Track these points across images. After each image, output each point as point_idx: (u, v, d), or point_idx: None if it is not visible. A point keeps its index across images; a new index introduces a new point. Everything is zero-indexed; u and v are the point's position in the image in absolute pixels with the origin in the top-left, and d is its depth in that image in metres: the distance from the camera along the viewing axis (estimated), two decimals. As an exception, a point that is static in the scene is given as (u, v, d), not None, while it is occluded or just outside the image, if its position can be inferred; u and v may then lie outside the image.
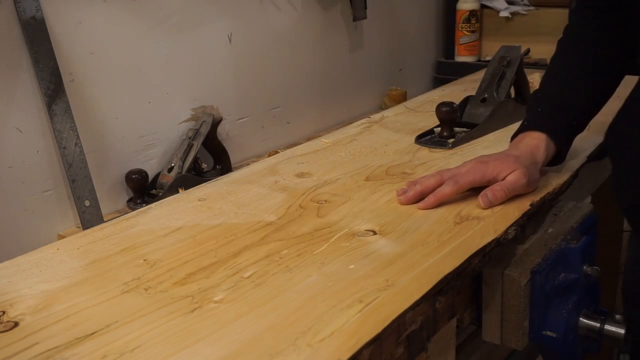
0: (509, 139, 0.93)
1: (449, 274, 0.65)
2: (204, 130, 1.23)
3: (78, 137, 1.07)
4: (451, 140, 1.08)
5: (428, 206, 0.81)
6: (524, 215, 0.79)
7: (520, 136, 0.89)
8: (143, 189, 1.16)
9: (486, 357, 0.92)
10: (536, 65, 1.71)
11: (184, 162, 1.20)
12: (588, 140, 1.02)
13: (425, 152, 1.05)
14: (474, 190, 0.83)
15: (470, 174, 0.82)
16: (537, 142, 0.86)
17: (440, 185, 0.82)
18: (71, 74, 1.08)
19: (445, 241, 0.72)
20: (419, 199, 0.82)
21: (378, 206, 0.84)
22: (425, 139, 1.11)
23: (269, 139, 1.46)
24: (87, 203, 1.08)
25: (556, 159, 0.90)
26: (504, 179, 0.81)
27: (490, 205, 0.80)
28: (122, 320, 0.60)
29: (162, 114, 1.23)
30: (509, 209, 0.80)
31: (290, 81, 1.49)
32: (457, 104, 1.13)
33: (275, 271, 0.67)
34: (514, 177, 0.81)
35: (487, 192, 0.81)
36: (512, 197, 0.82)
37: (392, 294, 0.61)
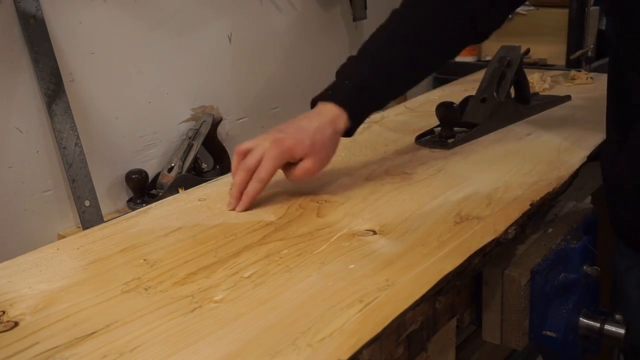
0: (502, 140, 0.94)
1: (449, 274, 0.65)
2: (204, 130, 1.23)
3: (78, 137, 1.07)
4: (451, 140, 1.08)
5: (244, 209, 0.83)
6: (524, 215, 0.79)
7: (322, 104, 0.88)
8: (143, 189, 1.16)
9: (486, 357, 0.92)
10: (536, 65, 1.71)
11: (184, 162, 1.20)
12: (588, 140, 1.02)
13: (425, 152, 1.05)
14: (468, 188, 0.83)
15: (270, 164, 0.82)
16: (336, 114, 0.86)
17: (246, 182, 0.83)
18: (71, 74, 1.08)
19: (445, 241, 0.72)
20: (238, 201, 0.84)
21: (378, 206, 0.84)
22: (425, 139, 1.11)
23: (269, 139, 1.46)
24: (87, 203, 1.08)
25: (347, 132, 0.90)
26: (302, 157, 0.83)
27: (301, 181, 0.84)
28: (122, 320, 0.60)
29: (162, 114, 1.23)
30: (509, 208, 0.80)
31: (290, 81, 1.49)
32: (457, 104, 1.13)
33: (275, 271, 0.67)
34: (309, 163, 0.83)
35: (293, 176, 0.84)
36: (511, 197, 0.83)
37: (392, 294, 0.61)
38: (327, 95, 0.88)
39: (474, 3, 0.89)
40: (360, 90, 0.87)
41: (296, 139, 0.82)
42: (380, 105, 0.92)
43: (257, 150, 0.83)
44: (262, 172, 0.82)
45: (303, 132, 0.83)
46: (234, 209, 0.84)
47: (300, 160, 0.83)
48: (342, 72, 0.90)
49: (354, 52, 0.91)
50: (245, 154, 0.84)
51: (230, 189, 0.86)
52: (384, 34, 0.91)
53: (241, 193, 0.83)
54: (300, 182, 0.85)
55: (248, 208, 0.83)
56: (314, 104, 0.89)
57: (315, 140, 0.83)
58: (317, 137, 0.83)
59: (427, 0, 0.91)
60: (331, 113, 0.86)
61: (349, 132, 0.89)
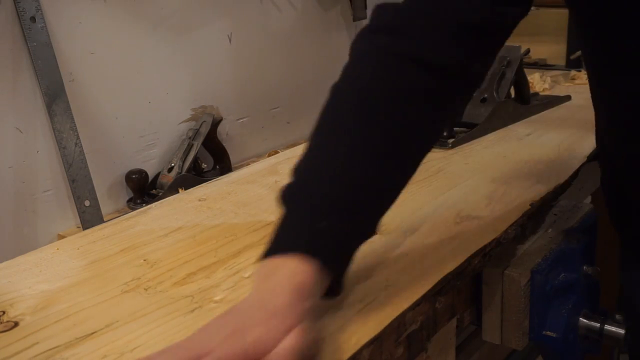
0: (502, 140, 0.92)
1: (449, 274, 0.65)
2: (204, 130, 1.23)
3: (78, 137, 1.07)
4: (451, 140, 1.08)
5: None
6: (523, 215, 0.79)
7: (274, 262, 0.53)
8: (143, 189, 1.16)
9: (486, 357, 0.92)
10: (536, 65, 1.71)
11: (184, 162, 1.20)
12: (588, 140, 1.02)
13: (425, 152, 1.05)
14: (468, 188, 0.83)
15: (226, 357, 0.46)
16: (304, 274, 0.51)
17: None
18: (71, 74, 1.08)
19: (445, 241, 0.72)
20: None
21: (378, 206, 0.83)
22: (425, 139, 1.10)
23: (269, 139, 1.46)
24: (87, 203, 1.08)
25: (332, 288, 0.56)
26: (274, 348, 0.47)
27: None
28: (122, 320, 0.60)
29: (162, 114, 1.23)
30: (509, 208, 0.80)
31: (290, 81, 1.49)
32: (457, 104, 1.13)
33: (275, 271, 0.67)
34: (293, 340, 0.48)
35: None
36: (511, 197, 0.82)
37: (392, 294, 0.61)
38: (282, 245, 0.54)
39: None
40: (334, 219, 0.54)
41: (260, 324, 0.48)
42: (366, 231, 0.58)
43: (202, 339, 0.48)
44: None
45: (268, 313, 0.49)
46: None
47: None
48: (291, 201, 0.56)
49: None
50: None
51: None
52: (338, 139, 0.58)
53: None
54: None
55: None
56: (266, 258, 0.54)
57: (291, 313, 0.49)
58: (290, 310, 0.49)
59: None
60: (296, 276, 0.51)
61: (333, 291, 0.56)
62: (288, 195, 0.57)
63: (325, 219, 0.53)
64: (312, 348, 0.51)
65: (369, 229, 0.58)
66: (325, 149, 0.58)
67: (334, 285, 0.56)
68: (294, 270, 0.51)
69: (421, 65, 0.56)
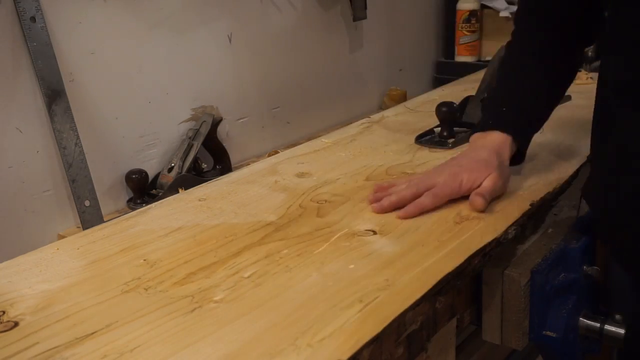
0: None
1: (449, 274, 0.65)
2: (204, 130, 1.23)
3: (78, 137, 1.07)
4: (451, 140, 1.08)
5: (408, 215, 0.78)
6: (524, 215, 0.79)
7: (481, 135, 0.87)
8: (143, 189, 1.16)
9: (486, 357, 0.92)
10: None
11: (184, 162, 1.20)
12: (588, 140, 1.02)
13: (425, 152, 1.05)
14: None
15: (447, 187, 0.80)
16: (500, 142, 0.85)
17: (416, 196, 0.80)
18: (71, 74, 1.08)
19: (445, 241, 0.72)
20: (394, 209, 0.80)
21: (378, 206, 0.83)
22: (425, 139, 1.11)
23: (269, 139, 1.46)
24: (87, 203, 1.08)
25: (516, 158, 0.88)
26: (479, 185, 0.81)
27: (486, 205, 0.79)
28: (122, 320, 0.60)
29: (162, 114, 1.23)
30: (509, 209, 0.80)
31: (290, 81, 1.49)
32: (457, 104, 1.13)
33: (275, 271, 0.67)
34: (491, 181, 0.80)
35: (476, 196, 0.79)
36: (510, 197, 0.83)
37: (392, 294, 0.61)
38: (487, 125, 0.87)
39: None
40: (519, 111, 0.87)
41: (472, 168, 0.81)
42: (540, 123, 0.90)
43: (431, 174, 0.84)
44: (439, 191, 0.80)
45: (477, 162, 0.82)
46: (378, 211, 0.81)
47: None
48: (493, 102, 0.91)
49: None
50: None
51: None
52: (511, 66, 0.92)
53: (397, 203, 0.80)
54: (492, 196, 0.80)
55: (410, 217, 0.79)
56: (474, 135, 0.89)
57: (491, 164, 0.82)
58: (491, 162, 0.82)
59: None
60: (495, 143, 0.84)
61: (517, 159, 0.88)
62: (489, 101, 0.97)
63: (512, 113, 0.87)
64: (501, 188, 0.82)
65: (537, 125, 0.90)
66: (506, 82, 0.92)
67: (517, 156, 0.88)
68: (494, 139, 0.85)
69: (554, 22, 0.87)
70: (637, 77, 0.68)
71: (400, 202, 0.80)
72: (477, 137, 0.88)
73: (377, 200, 0.82)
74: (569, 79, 0.90)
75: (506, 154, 0.85)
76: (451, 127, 1.10)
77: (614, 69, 0.72)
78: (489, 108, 0.92)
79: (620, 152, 0.72)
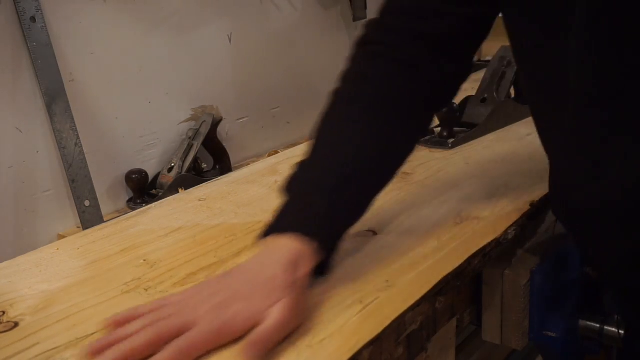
0: (502, 141, 0.91)
1: (449, 274, 0.65)
2: (204, 130, 1.23)
3: (78, 137, 1.07)
4: (451, 140, 1.08)
5: None
6: (523, 215, 0.79)
7: (272, 238, 0.60)
8: (143, 189, 1.16)
9: (486, 357, 0.92)
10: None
11: (184, 162, 1.20)
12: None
13: (425, 152, 1.05)
14: (468, 188, 0.83)
15: (204, 334, 0.51)
16: (300, 247, 0.58)
17: (153, 346, 0.51)
18: (71, 74, 1.08)
19: (445, 241, 0.72)
20: None
21: (378, 206, 0.83)
22: (425, 139, 1.11)
23: (269, 139, 1.46)
24: (87, 203, 1.08)
25: (320, 270, 0.62)
26: (260, 321, 0.53)
27: (261, 356, 0.51)
28: (122, 321, 0.60)
29: (162, 114, 1.23)
30: (509, 209, 0.80)
31: (290, 81, 1.49)
32: (457, 104, 1.13)
33: (275, 271, 0.67)
34: (279, 315, 0.53)
35: (249, 346, 0.51)
36: (511, 197, 0.82)
37: (392, 294, 0.61)
38: (283, 224, 0.60)
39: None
40: (331, 206, 0.61)
41: (244, 299, 0.54)
42: (358, 216, 0.65)
43: (185, 303, 0.54)
44: (187, 345, 0.51)
45: (255, 286, 0.55)
46: None
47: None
48: (297, 185, 0.64)
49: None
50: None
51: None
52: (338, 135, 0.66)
53: (125, 357, 0.50)
54: (278, 337, 0.53)
55: None
56: (264, 237, 0.61)
57: (277, 287, 0.55)
58: (277, 284, 0.55)
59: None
60: (293, 248, 0.58)
61: (322, 268, 0.63)
62: (288, 185, 0.64)
63: (318, 205, 0.61)
64: (296, 319, 0.55)
65: (356, 217, 0.65)
66: (324, 144, 0.66)
67: (323, 266, 0.62)
68: (289, 247, 0.58)
69: (400, 64, 0.66)
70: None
71: (130, 356, 0.50)
72: (265, 244, 0.60)
73: (97, 351, 0.51)
74: (410, 148, 0.69)
75: (307, 264, 0.58)
76: (451, 127, 1.10)
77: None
78: (290, 193, 0.63)
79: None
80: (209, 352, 0.52)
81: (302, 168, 0.64)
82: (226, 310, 0.53)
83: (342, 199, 0.62)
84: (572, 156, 0.59)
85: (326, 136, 0.66)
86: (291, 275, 0.55)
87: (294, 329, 0.55)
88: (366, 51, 0.69)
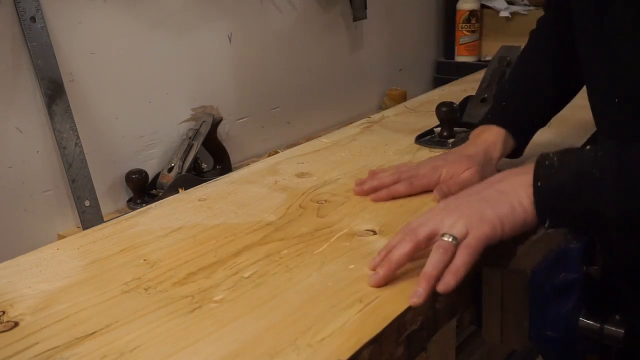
0: None
1: (449, 274, 0.65)
2: (204, 130, 1.23)
3: (78, 137, 1.07)
4: (451, 140, 1.08)
5: (379, 199, 0.84)
6: (524, 215, 0.78)
7: (480, 129, 0.90)
8: (143, 189, 1.16)
9: (486, 357, 0.92)
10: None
11: (184, 162, 1.20)
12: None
13: (425, 152, 1.05)
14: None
15: (424, 178, 0.84)
16: (495, 137, 0.87)
17: (395, 182, 0.85)
18: (71, 74, 1.08)
19: (445, 241, 0.72)
20: (373, 192, 0.85)
21: (378, 206, 0.83)
22: (425, 139, 1.11)
23: (269, 139, 1.46)
24: (87, 203, 1.08)
25: (515, 153, 0.90)
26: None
27: (445, 196, 0.80)
28: (122, 320, 0.60)
29: (162, 114, 1.23)
30: (509, 209, 0.80)
31: (290, 81, 1.49)
32: (457, 104, 1.13)
33: (275, 271, 0.67)
34: (467, 175, 0.83)
35: (443, 185, 0.83)
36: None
37: (392, 294, 0.61)
38: (486, 119, 0.90)
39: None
40: (520, 108, 0.88)
41: (453, 162, 0.84)
42: (542, 122, 0.91)
43: (418, 165, 0.87)
44: (415, 180, 0.84)
45: (461, 157, 0.85)
46: (358, 193, 0.86)
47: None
48: (497, 99, 0.92)
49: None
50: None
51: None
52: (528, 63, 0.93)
53: (377, 187, 0.85)
54: (463, 187, 0.76)
55: (381, 201, 0.84)
56: (474, 130, 0.90)
57: (474, 159, 0.84)
58: (475, 158, 0.85)
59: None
60: (488, 140, 0.87)
61: (516, 154, 0.90)
62: (494, 98, 0.98)
63: (512, 109, 0.89)
64: (480, 178, 0.81)
65: (537, 124, 0.91)
66: (520, 65, 0.95)
67: (517, 151, 0.90)
68: (488, 136, 0.87)
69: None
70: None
71: (380, 187, 0.85)
72: (475, 133, 0.90)
73: (361, 183, 0.87)
74: (577, 87, 0.90)
75: (497, 151, 0.86)
76: (451, 127, 1.10)
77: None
78: (495, 100, 0.94)
79: None
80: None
81: (499, 91, 0.98)
82: (439, 169, 0.84)
83: (526, 108, 0.88)
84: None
85: (516, 76, 0.94)
86: (484, 155, 0.85)
87: (478, 181, 0.78)
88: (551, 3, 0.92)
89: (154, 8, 1.18)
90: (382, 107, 1.70)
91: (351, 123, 1.28)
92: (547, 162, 0.62)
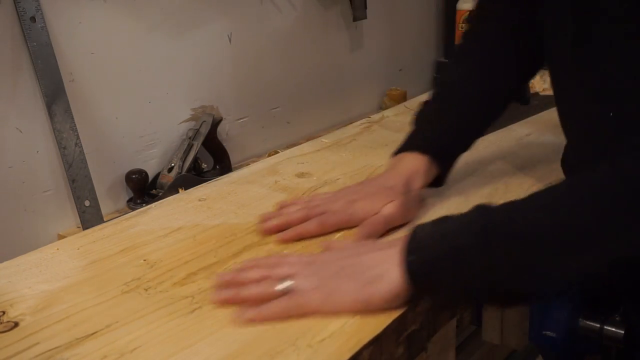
0: (502, 141, 0.91)
1: (449, 274, 0.65)
2: (204, 130, 1.23)
3: (78, 137, 1.07)
4: (451, 140, 1.08)
5: (286, 240, 0.74)
6: (524, 215, 0.78)
7: (397, 158, 0.81)
8: (143, 189, 1.16)
9: (486, 357, 0.92)
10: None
11: (184, 162, 1.20)
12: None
13: (425, 152, 1.05)
14: (467, 188, 0.83)
15: (336, 216, 0.75)
16: (414, 167, 0.79)
17: (305, 219, 0.75)
18: (71, 74, 1.08)
19: (445, 241, 0.72)
20: (279, 230, 0.76)
21: (378, 206, 0.83)
22: (425, 139, 1.10)
23: (269, 139, 1.46)
24: (87, 203, 1.08)
25: (437, 181, 0.83)
26: (375, 214, 0.75)
27: (367, 238, 0.72)
28: (122, 321, 0.60)
29: (162, 114, 1.23)
30: (509, 209, 0.80)
31: (290, 81, 1.49)
32: (457, 104, 1.13)
33: (275, 271, 0.67)
34: (390, 209, 0.75)
35: (368, 226, 0.73)
36: (511, 197, 0.82)
37: (392, 294, 0.61)
38: (405, 146, 0.82)
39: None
40: (442, 131, 0.82)
41: (370, 197, 0.76)
42: (467, 145, 0.84)
43: (330, 198, 0.79)
44: (326, 219, 0.75)
45: (378, 189, 0.77)
46: (271, 233, 0.76)
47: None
48: (417, 120, 0.85)
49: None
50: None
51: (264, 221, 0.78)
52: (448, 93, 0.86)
53: (284, 225, 0.75)
54: (386, 226, 0.75)
55: (288, 242, 0.74)
56: (392, 158, 0.83)
57: (394, 191, 0.77)
58: (395, 189, 0.77)
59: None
60: (408, 168, 0.79)
61: (437, 182, 0.83)
62: (415, 119, 0.84)
63: (436, 134, 0.81)
64: (402, 217, 0.76)
65: (462, 147, 0.84)
66: (443, 82, 0.87)
67: (439, 179, 0.82)
68: (408, 164, 0.79)
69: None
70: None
71: (286, 226, 0.75)
72: (394, 160, 0.82)
73: (267, 219, 0.77)
74: (503, 108, 0.85)
75: (419, 180, 0.79)
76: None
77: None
78: (414, 122, 0.85)
79: None
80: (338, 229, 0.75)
81: (426, 106, 0.85)
82: (354, 204, 0.76)
83: (450, 130, 0.81)
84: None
85: (439, 93, 0.86)
86: (405, 185, 0.77)
87: (402, 221, 0.76)
88: (478, 15, 0.86)
89: (154, 8, 1.18)
90: (382, 107, 1.70)
91: (351, 123, 1.28)
92: (417, 236, 0.59)
